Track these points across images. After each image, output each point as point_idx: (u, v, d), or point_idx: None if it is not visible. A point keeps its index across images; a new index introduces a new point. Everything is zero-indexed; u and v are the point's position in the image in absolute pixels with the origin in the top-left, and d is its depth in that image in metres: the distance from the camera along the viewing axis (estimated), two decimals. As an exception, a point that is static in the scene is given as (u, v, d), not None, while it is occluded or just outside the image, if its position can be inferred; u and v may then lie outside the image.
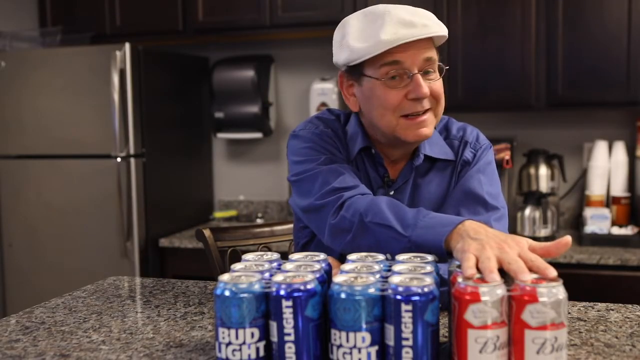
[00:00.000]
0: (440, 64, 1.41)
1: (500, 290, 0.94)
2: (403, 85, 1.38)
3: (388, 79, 1.38)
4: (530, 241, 1.08)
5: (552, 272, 0.98)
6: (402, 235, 1.23)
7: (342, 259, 1.12)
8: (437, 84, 1.41)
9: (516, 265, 0.99)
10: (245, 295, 0.98)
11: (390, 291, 0.94)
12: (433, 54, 1.39)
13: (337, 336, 0.96)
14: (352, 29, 1.40)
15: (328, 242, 1.38)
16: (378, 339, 0.96)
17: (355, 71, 1.43)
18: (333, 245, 1.37)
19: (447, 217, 1.23)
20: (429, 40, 1.38)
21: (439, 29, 1.38)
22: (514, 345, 0.95)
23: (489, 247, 1.05)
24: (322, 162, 1.44)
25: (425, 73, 1.39)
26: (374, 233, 1.28)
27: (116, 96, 3.05)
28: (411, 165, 1.49)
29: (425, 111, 1.40)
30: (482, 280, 0.96)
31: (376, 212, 1.29)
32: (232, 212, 3.66)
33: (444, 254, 1.17)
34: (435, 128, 1.54)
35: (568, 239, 1.08)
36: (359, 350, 0.95)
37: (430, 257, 1.09)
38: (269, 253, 1.16)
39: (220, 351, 1.00)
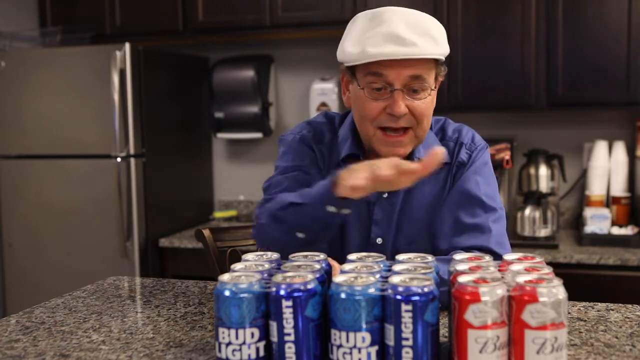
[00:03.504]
0: (427, 84, 1.37)
1: (500, 290, 0.94)
2: (384, 98, 1.38)
3: (371, 89, 1.38)
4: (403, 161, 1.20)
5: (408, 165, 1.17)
6: (300, 205, 1.30)
7: (342, 260, 1.12)
8: (422, 103, 1.38)
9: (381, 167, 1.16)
10: (245, 295, 0.98)
11: (390, 291, 0.94)
12: (423, 72, 1.36)
13: (337, 336, 0.96)
14: (354, 29, 1.41)
15: (260, 248, 1.45)
16: (378, 339, 0.96)
17: (350, 70, 1.43)
18: (263, 249, 1.43)
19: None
20: (421, 58, 1.35)
21: (430, 51, 1.34)
22: (514, 345, 0.95)
23: (363, 168, 1.18)
24: (281, 170, 1.51)
25: (412, 91, 1.37)
26: (283, 218, 1.34)
27: (116, 96, 3.05)
28: None
29: (404, 131, 1.39)
30: (483, 280, 0.96)
31: (278, 201, 1.36)
32: (232, 212, 3.66)
33: (337, 201, 1.23)
34: (431, 129, 1.55)
35: (438, 149, 1.18)
36: (359, 350, 0.95)
37: (430, 257, 1.09)
38: (269, 253, 1.16)
39: (220, 351, 1.00)
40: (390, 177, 1.16)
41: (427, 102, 1.39)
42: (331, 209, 1.24)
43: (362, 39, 1.36)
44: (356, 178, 1.17)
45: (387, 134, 1.40)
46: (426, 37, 1.34)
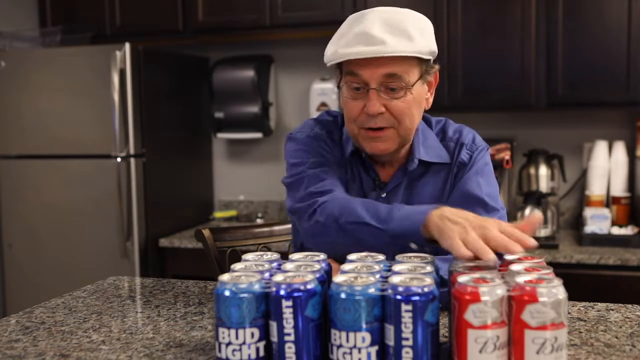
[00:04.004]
0: (405, 83, 1.35)
1: (500, 290, 0.94)
2: (362, 97, 1.38)
3: (351, 89, 1.39)
4: (502, 222, 1.12)
5: (532, 241, 1.05)
6: (380, 230, 1.25)
7: (342, 260, 1.12)
8: (400, 102, 1.37)
9: (501, 240, 1.05)
10: (245, 295, 0.98)
11: (390, 291, 0.94)
12: (399, 71, 1.34)
13: (337, 336, 0.96)
14: (339, 30, 1.42)
15: (307, 245, 1.40)
16: (378, 339, 0.96)
17: (339, 71, 1.45)
18: (313, 248, 1.38)
19: (422, 206, 1.25)
20: (396, 56, 1.33)
21: (400, 49, 1.32)
22: (514, 345, 0.95)
23: (471, 229, 1.08)
24: (310, 165, 1.46)
25: (390, 90, 1.36)
26: (352, 232, 1.30)
27: (116, 96, 3.05)
28: (405, 169, 1.49)
29: (383, 127, 1.39)
30: (483, 280, 0.96)
31: (350, 212, 1.31)
32: (232, 212, 3.66)
33: (423, 240, 1.19)
34: (432, 130, 1.55)
35: (537, 213, 1.11)
36: (359, 350, 0.95)
37: (430, 257, 1.09)
38: (269, 253, 1.16)
39: (220, 351, 1.00)
40: (518, 252, 1.06)
41: (407, 100, 1.37)
42: (413, 246, 1.20)
43: (339, 40, 1.38)
44: (486, 252, 1.04)
45: (368, 131, 1.40)
46: (399, 35, 1.33)
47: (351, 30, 1.36)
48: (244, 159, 3.79)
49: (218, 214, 3.65)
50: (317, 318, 0.98)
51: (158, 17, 3.45)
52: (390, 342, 0.95)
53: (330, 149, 1.51)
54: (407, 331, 0.94)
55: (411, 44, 1.34)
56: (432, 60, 1.43)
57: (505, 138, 3.04)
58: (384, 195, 1.49)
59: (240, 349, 0.99)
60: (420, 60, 1.39)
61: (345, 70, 1.39)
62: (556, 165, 3.13)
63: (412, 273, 1.00)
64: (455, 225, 1.11)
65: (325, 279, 1.04)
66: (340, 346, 0.95)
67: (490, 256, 1.03)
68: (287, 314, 0.97)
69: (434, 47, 1.40)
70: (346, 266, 1.05)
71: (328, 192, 1.39)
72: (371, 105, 1.36)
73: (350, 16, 1.42)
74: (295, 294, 0.96)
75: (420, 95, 1.41)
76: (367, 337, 0.95)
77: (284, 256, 1.16)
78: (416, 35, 1.35)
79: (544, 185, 3.08)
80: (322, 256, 1.13)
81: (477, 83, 3.03)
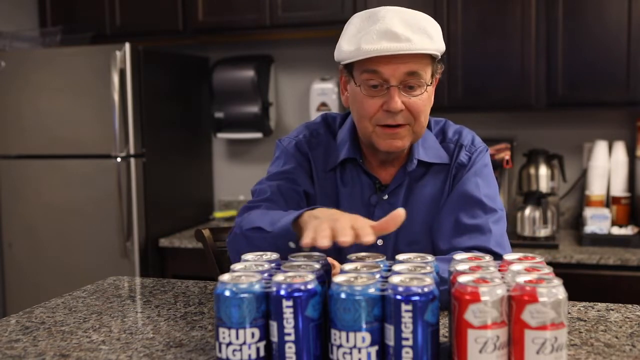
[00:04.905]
0: (423, 80, 1.37)
1: (500, 290, 0.94)
2: (381, 95, 1.38)
3: (368, 86, 1.38)
4: (369, 221, 1.12)
5: (368, 238, 1.05)
6: (267, 232, 1.29)
7: (342, 262, 1.12)
8: (418, 99, 1.38)
9: (339, 230, 1.06)
10: (245, 295, 0.98)
11: (390, 291, 0.94)
12: (419, 68, 1.36)
13: (337, 336, 0.96)
14: (349, 28, 1.41)
15: (230, 255, 1.47)
16: (378, 339, 0.96)
17: (348, 69, 1.44)
18: (230, 258, 1.45)
19: (304, 209, 1.26)
20: (417, 54, 1.35)
21: (425, 46, 1.34)
22: (514, 345, 0.95)
23: (325, 221, 1.09)
24: (269, 176, 1.52)
25: (408, 87, 1.37)
26: (250, 239, 1.34)
27: (116, 96, 3.05)
28: (404, 170, 1.49)
29: (401, 124, 1.40)
30: (483, 280, 0.96)
31: (250, 220, 1.37)
32: (232, 212, 3.66)
33: (296, 238, 1.21)
34: (431, 130, 1.55)
35: (400, 211, 1.11)
36: (359, 350, 0.95)
37: (430, 257, 1.09)
38: (269, 253, 1.16)
39: (220, 351, 1.00)
40: (348, 242, 1.06)
41: (423, 98, 1.39)
42: (292, 245, 1.23)
43: (357, 37, 1.37)
44: (322, 238, 1.07)
45: (385, 128, 1.40)
46: (421, 33, 1.34)
47: (369, 28, 1.35)
48: (244, 159, 3.79)
49: (218, 214, 3.65)
50: (317, 318, 0.99)
51: (158, 17, 3.45)
52: (390, 342, 0.95)
53: (308, 159, 1.53)
54: (407, 331, 0.94)
55: (432, 42, 1.36)
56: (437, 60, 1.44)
57: (505, 138, 3.04)
58: (385, 197, 1.49)
59: (240, 349, 0.99)
60: (433, 59, 1.40)
61: (361, 67, 1.38)
62: (556, 165, 3.13)
63: (412, 273, 1.00)
64: (315, 219, 1.13)
65: (325, 279, 1.04)
66: (340, 346, 0.96)
67: (323, 243, 1.05)
68: (288, 314, 0.97)
69: (444, 47, 1.42)
70: (346, 266, 1.06)
71: (257, 207, 1.44)
72: (393, 102, 1.36)
73: (359, 14, 1.41)
74: (296, 294, 0.96)
75: (431, 93, 1.43)
76: (367, 337, 0.95)
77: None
78: (434, 34, 1.37)
79: (544, 185, 3.08)
80: (322, 256, 1.13)
81: (477, 83, 3.03)
